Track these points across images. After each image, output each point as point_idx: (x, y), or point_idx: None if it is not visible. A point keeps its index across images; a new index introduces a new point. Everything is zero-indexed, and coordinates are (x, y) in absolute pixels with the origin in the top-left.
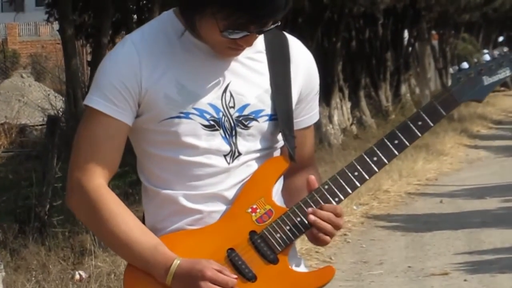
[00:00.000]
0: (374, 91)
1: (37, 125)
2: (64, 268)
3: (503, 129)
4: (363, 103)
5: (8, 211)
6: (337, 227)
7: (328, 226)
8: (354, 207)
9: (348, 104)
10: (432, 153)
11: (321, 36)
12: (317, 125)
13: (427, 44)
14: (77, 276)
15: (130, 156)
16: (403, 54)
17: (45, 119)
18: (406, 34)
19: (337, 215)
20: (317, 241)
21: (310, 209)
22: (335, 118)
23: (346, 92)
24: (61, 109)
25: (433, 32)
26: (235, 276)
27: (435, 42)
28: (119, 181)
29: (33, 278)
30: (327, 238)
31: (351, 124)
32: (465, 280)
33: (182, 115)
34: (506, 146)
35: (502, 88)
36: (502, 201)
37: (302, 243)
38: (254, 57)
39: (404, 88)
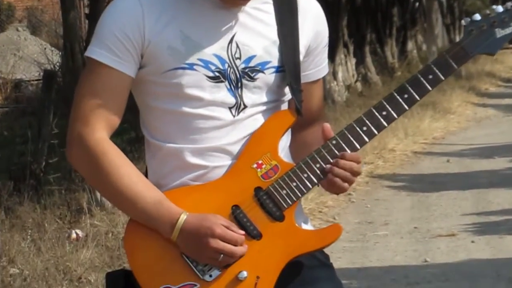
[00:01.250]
0: (379, 47)
1: (33, 80)
2: (60, 227)
3: None
4: (369, 59)
5: (3, 168)
6: (355, 174)
7: (347, 174)
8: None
9: (353, 61)
10: (439, 111)
11: None
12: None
13: None
14: (74, 235)
15: (129, 113)
16: (409, 9)
17: (41, 74)
18: None
19: (358, 163)
20: (334, 188)
21: (330, 164)
22: (340, 75)
23: (351, 48)
24: (57, 64)
25: None
26: (243, 232)
27: None
28: (117, 138)
29: (28, 237)
30: (346, 185)
31: (356, 81)
32: (472, 242)
33: (186, 66)
34: None
35: (511, 45)
36: (510, 161)
37: (305, 203)
38: (261, 7)
39: (410, 45)
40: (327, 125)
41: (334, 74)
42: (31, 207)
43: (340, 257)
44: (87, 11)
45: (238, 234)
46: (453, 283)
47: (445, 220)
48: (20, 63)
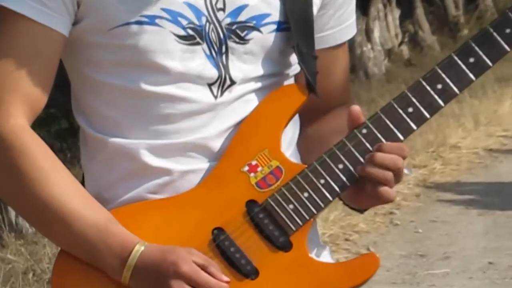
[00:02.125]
0: None
1: None
2: None
3: None
4: (420, 11)
5: None
6: (399, 176)
7: (390, 175)
8: (406, 171)
9: (397, 13)
10: None
11: None
12: (349, 45)
13: None
14: None
15: (59, 91)
16: None
17: None
18: None
19: (402, 157)
20: (367, 200)
21: (366, 157)
22: (376, 35)
23: None
24: None
25: None
26: (227, 279)
27: None
28: (41, 129)
29: None
30: (392, 193)
31: (401, 44)
32: None
33: (144, 19)
34: None
35: None
36: None
37: (324, 227)
38: None
39: None
40: (355, 108)
41: (367, 33)
42: None
43: None
44: None
45: (218, 278)
46: None
47: None
48: None
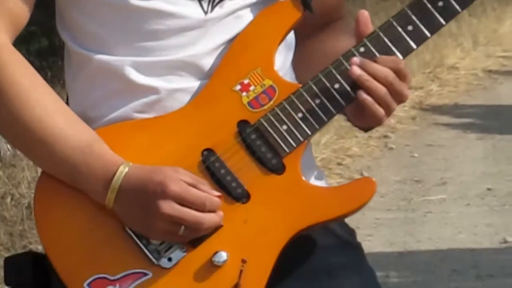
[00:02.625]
0: None
1: None
2: None
3: None
4: None
5: None
6: (397, 95)
7: (382, 89)
8: None
9: None
10: None
11: None
12: None
13: None
14: None
15: (40, 9)
16: None
17: None
18: None
19: (400, 74)
20: (362, 119)
21: (355, 59)
22: None
23: None
24: None
25: None
26: (217, 194)
27: None
28: (21, 47)
29: None
30: (380, 111)
31: None
32: None
33: None
34: None
35: None
36: None
37: (315, 151)
38: None
39: None
40: (363, 13)
41: None
42: None
43: (372, 234)
44: None
45: (207, 192)
46: None
47: None
48: None
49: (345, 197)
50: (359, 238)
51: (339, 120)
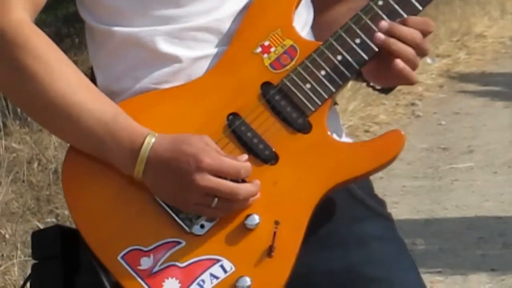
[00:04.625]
0: None
1: None
2: None
3: None
4: None
5: None
6: (422, 53)
7: (410, 51)
8: (428, 61)
9: None
10: None
11: None
12: None
13: None
14: None
15: None
16: None
17: None
18: None
19: (426, 33)
20: (391, 78)
21: (383, 22)
22: None
23: None
24: None
25: None
26: (247, 157)
27: None
28: (48, 14)
29: None
30: (411, 72)
31: None
32: None
33: None
34: None
35: None
36: None
37: (342, 117)
38: None
39: None
40: None
41: None
42: None
43: (398, 202)
44: None
45: (240, 160)
46: None
47: None
48: None
49: (376, 151)
50: (388, 205)
51: (366, 88)
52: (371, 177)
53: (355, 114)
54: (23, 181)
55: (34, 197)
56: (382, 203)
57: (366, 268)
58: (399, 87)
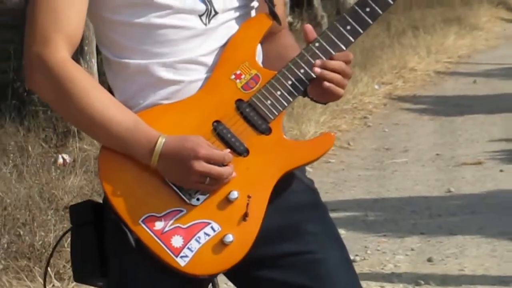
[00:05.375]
0: None
1: None
2: (45, 151)
3: None
4: None
5: None
6: (347, 76)
7: (339, 77)
8: (376, 87)
9: None
10: (465, 27)
11: None
12: None
13: None
14: (60, 160)
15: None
16: None
17: None
18: None
19: (348, 62)
20: (327, 96)
21: (317, 61)
22: None
23: None
24: None
25: None
26: (228, 150)
27: None
28: None
29: (10, 162)
30: (340, 90)
31: None
32: (501, 171)
33: None
34: None
35: None
36: None
37: (316, 127)
38: None
39: None
40: (308, 27)
41: None
42: (13, 129)
43: (355, 186)
44: None
45: (224, 152)
46: (480, 215)
47: (471, 146)
48: None
49: (315, 147)
50: (346, 189)
51: (332, 106)
52: (336, 169)
53: (324, 124)
54: (91, 172)
55: (99, 183)
56: (312, 181)
57: (306, 224)
58: (356, 105)
